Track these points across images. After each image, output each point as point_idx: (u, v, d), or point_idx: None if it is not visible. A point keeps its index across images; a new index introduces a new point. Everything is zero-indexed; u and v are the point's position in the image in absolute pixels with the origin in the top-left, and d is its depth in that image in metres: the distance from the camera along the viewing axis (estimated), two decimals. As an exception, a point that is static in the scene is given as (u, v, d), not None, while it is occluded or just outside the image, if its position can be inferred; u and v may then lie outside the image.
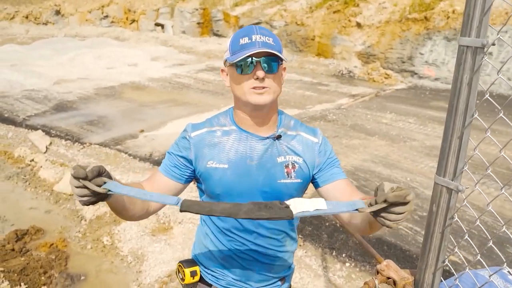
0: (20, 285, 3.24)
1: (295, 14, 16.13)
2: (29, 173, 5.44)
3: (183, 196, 1.80)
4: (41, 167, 5.50)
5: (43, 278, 3.40)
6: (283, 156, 1.52)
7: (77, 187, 1.12)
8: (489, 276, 1.23)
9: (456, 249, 1.28)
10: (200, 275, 1.71)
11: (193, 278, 1.68)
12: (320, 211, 1.12)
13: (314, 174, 1.56)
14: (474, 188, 1.19)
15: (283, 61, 1.45)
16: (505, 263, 1.18)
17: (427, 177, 5.34)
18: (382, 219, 1.08)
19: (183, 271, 1.67)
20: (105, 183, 1.14)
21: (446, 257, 1.24)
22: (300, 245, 3.94)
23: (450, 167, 1.14)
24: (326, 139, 1.61)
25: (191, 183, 1.63)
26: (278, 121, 1.57)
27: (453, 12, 11.79)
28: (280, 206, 1.14)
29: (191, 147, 1.52)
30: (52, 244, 3.89)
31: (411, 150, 6.40)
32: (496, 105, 1.12)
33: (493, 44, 1.00)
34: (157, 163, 5.81)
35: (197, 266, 1.70)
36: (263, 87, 1.39)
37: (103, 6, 25.19)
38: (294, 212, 1.12)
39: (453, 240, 1.29)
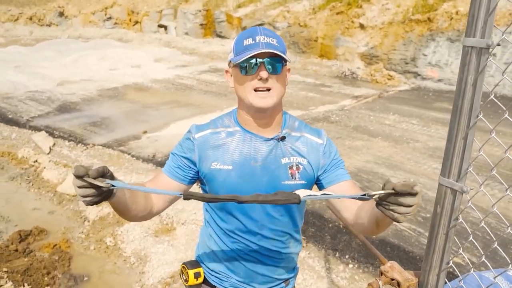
0: (24, 286, 3.25)
1: (298, 16, 16.13)
2: (32, 174, 5.45)
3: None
4: (44, 168, 5.52)
5: (46, 278, 3.41)
6: (287, 157, 1.51)
7: (79, 187, 1.12)
8: (494, 278, 1.22)
9: (460, 251, 1.28)
10: (204, 276, 1.70)
11: (197, 280, 1.67)
12: (327, 196, 1.14)
13: (319, 176, 1.55)
14: (479, 189, 1.18)
15: (287, 62, 1.45)
16: (510, 265, 1.17)
17: (430, 178, 5.33)
18: (391, 212, 1.08)
19: (187, 272, 1.67)
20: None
21: (450, 258, 1.23)
22: (303, 246, 3.94)
23: (455, 168, 1.13)
24: (330, 140, 1.60)
25: (195, 185, 1.62)
26: (283, 122, 1.56)
27: (457, 13, 11.76)
28: (286, 192, 1.15)
29: (195, 148, 1.52)
30: (56, 244, 3.89)
31: (414, 152, 6.38)
32: (502, 106, 1.11)
33: (498, 45, 1.00)
34: (160, 164, 5.82)
35: (201, 268, 1.70)
36: (267, 89, 1.39)
37: (106, 8, 25.27)
38: (301, 196, 1.13)
39: (458, 242, 1.28)
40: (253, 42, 1.37)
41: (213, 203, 1.57)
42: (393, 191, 1.06)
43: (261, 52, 1.35)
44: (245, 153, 1.49)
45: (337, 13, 14.91)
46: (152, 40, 20.02)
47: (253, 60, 1.36)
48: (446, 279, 1.26)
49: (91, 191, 1.12)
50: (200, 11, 20.13)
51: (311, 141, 1.56)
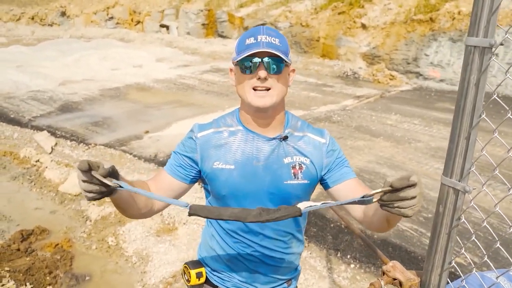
0: (26, 285, 3.25)
1: (300, 15, 16.13)
2: (34, 174, 5.46)
3: (188, 195, 1.81)
4: (46, 167, 5.53)
5: (48, 278, 3.41)
6: (290, 157, 1.51)
7: (84, 181, 1.12)
8: (496, 278, 1.22)
9: (462, 251, 1.28)
10: (206, 276, 1.70)
11: (199, 280, 1.67)
12: (327, 204, 1.15)
13: (323, 175, 1.54)
14: (482, 189, 1.18)
15: (290, 63, 1.45)
16: (513, 265, 1.17)
17: (432, 178, 5.32)
18: (398, 209, 1.08)
19: (189, 272, 1.66)
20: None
21: (452, 258, 1.23)
22: (305, 246, 3.94)
23: (457, 168, 1.13)
24: (333, 139, 1.59)
25: (196, 184, 1.62)
26: (285, 122, 1.55)
27: (459, 13, 11.74)
28: (288, 206, 1.16)
29: (197, 148, 1.52)
30: (57, 244, 3.90)
31: (416, 152, 6.37)
32: (505, 105, 1.11)
33: (501, 44, 0.99)
34: (162, 164, 5.82)
35: (203, 268, 1.70)
36: (266, 88, 1.39)
37: (108, 8, 25.30)
38: (302, 208, 1.14)
39: (460, 242, 1.28)
40: (255, 41, 1.37)
41: (215, 202, 1.57)
42: (392, 188, 1.06)
43: (261, 52, 1.35)
44: (247, 153, 1.49)
45: (339, 13, 14.90)
46: (154, 40, 20.05)
47: (253, 59, 1.36)
48: (448, 279, 1.26)
49: (95, 187, 1.13)
50: (202, 11, 20.15)
51: (314, 141, 1.55)
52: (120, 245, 3.94)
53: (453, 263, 1.23)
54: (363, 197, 1.10)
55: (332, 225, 4.26)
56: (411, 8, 13.39)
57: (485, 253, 1.21)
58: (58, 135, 6.98)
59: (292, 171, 1.49)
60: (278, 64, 1.38)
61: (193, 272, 1.66)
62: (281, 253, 1.62)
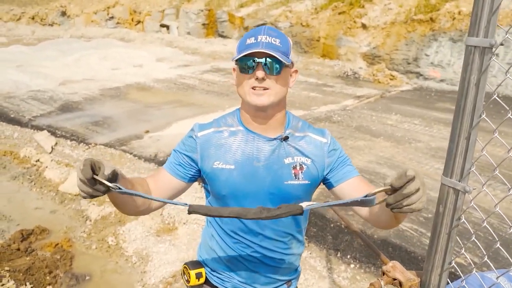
0: (26, 285, 3.25)
1: (300, 15, 16.13)
2: (34, 173, 5.46)
3: (188, 195, 1.81)
4: (46, 167, 5.53)
5: (48, 278, 3.41)
6: (291, 157, 1.50)
7: (82, 180, 1.13)
8: (496, 278, 1.22)
9: (462, 251, 1.27)
10: (206, 277, 1.70)
11: (199, 280, 1.66)
12: (329, 203, 1.14)
13: (326, 175, 1.54)
14: (482, 189, 1.18)
15: (292, 64, 1.45)
16: (513, 265, 1.17)
17: (432, 178, 5.32)
18: (406, 208, 1.07)
19: (189, 273, 1.66)
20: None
21: (452, 258, 1.23)
22: (305, 246, 3.93)
23: (457, 168, 1.13)
24: (334, 139, 1.59)
25: (196, 184, 1.62)
26: (286, 122, 1.55)
27: (459, 13, 11.74)
28: (289, 204, 1.17)
29: (197, 147, 1.52)
30: (57, 244, 3.90)
31: (417, 152, 6.37)
32: (505, 106, 1.11)
33: (502, 44, 0.99)
34: (162, 163, 5.82)
35: (203, 268, 1.69)
36: (263, 88, 1.39)
37: (108, 7, 25.30)
38: (303, 206, 1.14)
39: (460, 242, 1.28)
40: (255, 41, 1.37)
41: (215, 202, 1.57)
42: (391, 188, 1.06)
43: (258, 52, 1.34)
44: (247, 153, 1.49)
45: (339, 13, 14.90)
46: (154, 39, 20.04)
47: (252, 60, 1.36)
48: (448, 280, 1.26)
49: (91, 189, 1.14)
50: (202, 10, 20.14)
51: (315, 141, 1.55)
52: (120, 245, 3.94)
53: (453, 263, 1.23)
54: (365, 196, 1.10)
55: (332, 225, 4.26)
56: (411, 8, 13.39)
57: (485, 253, 1.21)
58: (58, 135, 6.98)
59: (293, 171, 1.49)
60: (276, 65, 1.37)
61: (192, 273, 1.65)
62: (281, 254, 1.61)
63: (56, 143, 6.60)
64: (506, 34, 1.02)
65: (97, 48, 16.11)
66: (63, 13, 26.89)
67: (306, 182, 1.50)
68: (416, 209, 1.07)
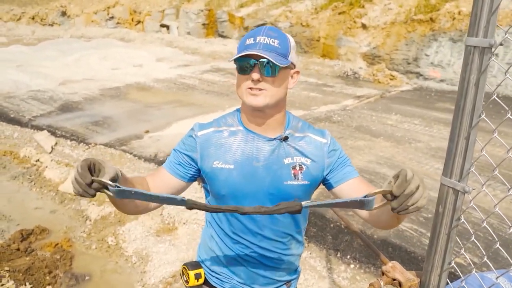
0: (25, 285, 3.25)
1: (300, 15, 16.13)
2: (34, 173, 5.46)
3: (187, 195, 1.81)
4: (46, 167, 5.53)
5: (48, 278, 3.41)
6: (291, 157, 1.50)
7: (77, 181, 1.13)
8: (496, 279, 1.22)
9: (462, 251, 1.27)
10: (205, 277, 1.69)
11: (198, 281, 1.66)
12: (328, 201, 1.14)
13: (326, 176, 1.54)
14: (481, 189, 1.18)
15: (294, 65, 1.44)
16: (512, 266, 1.17)
17: (432, 178, 5.32)
18: (412, 206, 1.07)
19: (188, 273, 1.66)
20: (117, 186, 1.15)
21: (452, 259, 1.23)
22: (304, 247, 3.93)
23: (457, 168, 1.13)
24: (334, 139, 1.58)
25: (196, 183, 1.63)
26: (286, 122, 1.54)
27: (459, 13, 11.74)
28: (289, 201, 1.17)
29: (197, 146, 1.52)
30: (57, 244, 3.90)
31: (417, 152, 6.37)
32: (504, 106, 1.11)
33: (501, 44, 0.99)
34: (162, 163, 5.78)
35: (202, 269, 1.69)
36: (259, 89, 1.38)
37: (108, 7, 25.30)
38: (303, 204, 1.14)
39: (459, 242, 1.28)
40: (253, 42, 1.37)
41: (214, 202, 1.57)
42: (389, 188, 1.07)
43: (253, 53, 1.33)
44: (247, 153, 1.48)
45: (339, 13, 14.90)
46: (154, 39, 20.04)
47: (248, 61, 1.36)
48: (448, 280, 1.26)
49: (87, 190, 1.15)
50: (202, 10, 20.15)
51: (315, 141, 1.54)
52: (120, 245, 3.94)
53: (452, 264, 1.23)
54: (365, 196, 1.10)
55: (332, 225, 4.26)
56: (411, 8, 13.39)
57: (484, 253, 1.21)
58: (58, 135, 6.98)
59: (292, 171, 1.48)
60: (272, 67, 1.35)
61: (191, 273, 1.65)
62: (280, 254, 1.61)
63: (56, 143, 6.60)
64: (505, 34, 1.02)
65: (97, 48, 16.11)
66: (63, 13, 26.90)
67: (306, 182, 1.50)
68: (421, 206, 1.08)
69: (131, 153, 6.24)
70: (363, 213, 1.46)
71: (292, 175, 1.48)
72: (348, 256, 3.82)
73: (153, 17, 22.85)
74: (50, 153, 6.24)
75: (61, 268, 3.56)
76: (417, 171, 1.08)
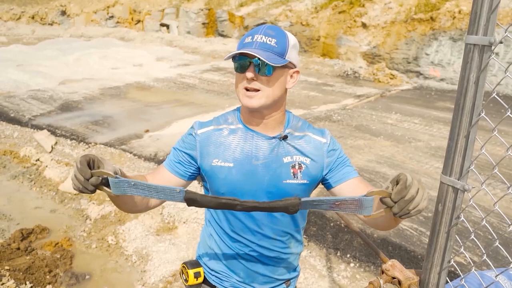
0: (26, 284, 3.25)
1: (300, 15, 16.13)
2: (34, 173, 5.46)
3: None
4: (46, 166, 5.53)
5: (48, 277, 3.42)
6: (290, 156, 1.49)
7: (77, 177, 1.13)
8: (495, 277, 1.22)
9: (461, 250, 1.27)
10: (204, 276, 1.69)
11: (197, 280, 1.66)
12: (327, 198, 1.14)
13: (325, 175, 1.53)
14: (481, 187, 1.17)
15: (293, 64, 1.44)
16: (512, 264, 1.17)
17: (432, 177, 5.32)
18: (413, 210, 1.07)
19: (187, 272, 1.66)
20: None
21: (451, 257, 1.23)
22: (304, 246, 3.93)
23: (457, 166, 1.13)
24: (334, 139, 1.58)
25: (196, 182, 1.62)
26: (286, 121, 1.54)
27: (459, 12, 11.73)
28: (288, 198, 1.17)
29: (197, 144, 1.52)
30: (57, 243, 3.90)
31: (416, 151, 6.37)
32: (504, 104, 1.11)
33: (501, 42, 0.99)
34: (162, 163, 5.82)
35: (201, 268, 1.69)
36: (254, 89, 1.38)
37: (108, 7, 25.31)
38: (301, 199, 1.14)
39: (459, 241, 1.28)
40: (250, 40, 1.37)
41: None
42: (390, 191, 1.07)
43: (248, 52, 1.33)
44: (246, 151, 1.48)
45: (340, 12, 14.89)
46: (154, 39, 20.04)
47: (243, 59, 1.36)
48: (447, 278, 1.26)
49: (87, 186, 1.15)
50: (202, 10, 20.15)
51: (314, 140, 1.54)
52: (120, 244, 3.94)
53: (452, 262, 1.23)
54: (365, 195, 1.10)
55: (331, 224, 4.26)
56: (411, 7, 13.38)
57: (484, 252, 1.21)
58: (58, 134, 6.98)
59: (292, 170, 1.48)
60: (267, 66, 1.34)
61: (191, 272, 1.65)
62: (280, 253, 1.61)
63: (56, 143, 6.60)
64: (505, 32, 1.02)
65: (97, 47, 16.11)
66: (63, 13, 26.90)
67: (305, 181, 1.50)
68: (422, 208, 1.07)
69: (131, 153, 6.24)
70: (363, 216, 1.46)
71: (291, 174, 1.48)
72: (348, 255, 3.82)
73: (153, 16, 22.86)
74: (50, 152, 6.24)
75: (61, 267, 3.56)
76: (414, 175, 1.08)
